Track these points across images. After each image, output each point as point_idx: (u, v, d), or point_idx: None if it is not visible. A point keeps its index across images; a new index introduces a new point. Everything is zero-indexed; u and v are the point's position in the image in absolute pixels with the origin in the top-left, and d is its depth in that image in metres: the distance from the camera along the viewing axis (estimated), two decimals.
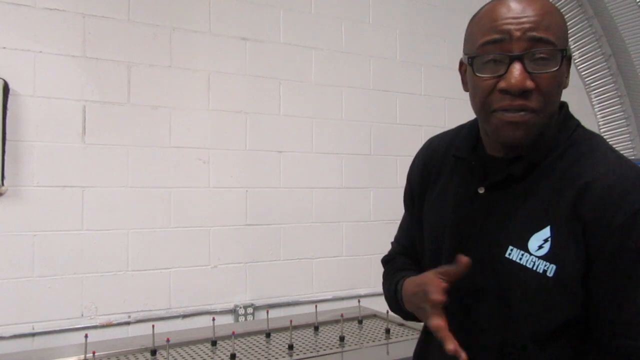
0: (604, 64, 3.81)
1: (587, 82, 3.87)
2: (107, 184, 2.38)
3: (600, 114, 3.88)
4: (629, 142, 3.77)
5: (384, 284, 1.15)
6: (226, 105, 2.67)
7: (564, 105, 0.97)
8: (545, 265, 0.85)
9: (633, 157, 3.64)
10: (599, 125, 3.91)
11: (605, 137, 3.86)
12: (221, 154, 2.64)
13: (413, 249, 1.13)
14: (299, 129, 2.85)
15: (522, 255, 0.87)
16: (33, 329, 2.22)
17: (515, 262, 0.87)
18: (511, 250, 0.88)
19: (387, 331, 2.12)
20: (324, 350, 1.95)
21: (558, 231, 0.85)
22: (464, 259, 0.87)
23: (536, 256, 0.85)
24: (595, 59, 3.82)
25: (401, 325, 2.25)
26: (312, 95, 2.89)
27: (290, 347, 1.93)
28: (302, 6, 2.88)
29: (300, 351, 1.93)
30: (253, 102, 2.73)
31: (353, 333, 2.16)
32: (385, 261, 1.21)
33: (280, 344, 2.01)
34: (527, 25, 0.85)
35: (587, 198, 0.83)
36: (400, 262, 1.16)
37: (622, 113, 3.80)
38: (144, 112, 2.47)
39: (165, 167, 2.51)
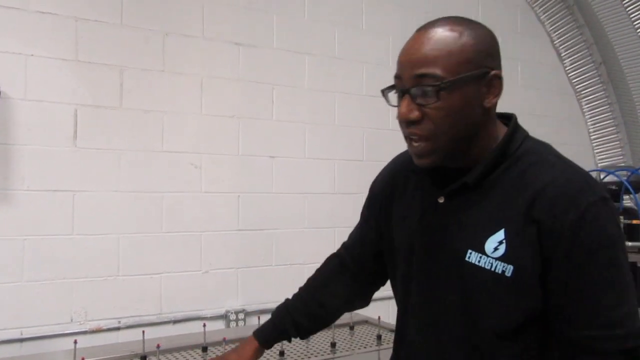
0: (595, 71, 3.85)
1: (578, 90, 3.91)
2: (98, 188, 2.37)
3: (591, 121, 3.92)
4: (619, 149, 3.81)
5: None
6: (219, 110, 2.66)
7: (512, 117, 1.03)
8: (503, 266, 0.92)
9: (623, 164, 3.67)
10: (590, 132, 3.94)
11: (595, 144, 3.90)
12: (213, 159, 2.64)
13: (353, 248, 1.29)
14: (291, 134, 2.85)
15: (480, 257, 0.94)
16: (22, 334, 2.20)
17: (474, 264, 0.94)
18: (470, 253, 0.95)
19: (379, 337, 2.12)
20: (315, 356, 1.95)
21: (512, 234, 0.92)
22: None
23: (493, 257, 0.93)
24: (585, 67, 3.86)
25: (393, 331, 2.24)
26: (305, 101, 2.89)
27: (282, 353, 1.92)
28: (296, 12, 2.89)
29: (291, 358, 1.93)
30: (246, 107, 2.73)
31: (344, 339, 2.15)
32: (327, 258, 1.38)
33: (271, 351, 1.99)
34: (414, 63, 0.95)
35: (540, 202, 0.90)
36: (311, 281, 1.34)
37: (612, 120, 3.84)
38: (136, 116, 2.47)
39: (157, 172, 2.50)
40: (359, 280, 1.28)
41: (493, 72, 0.96)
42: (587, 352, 0.89)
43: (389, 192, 1.16)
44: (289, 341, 1.33)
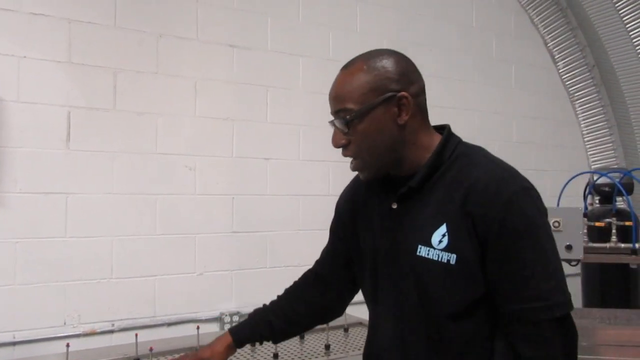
0: (588, 74, 3.87)
1: (571, 92, 3.92)
2: (92, 190, 2.36)
3: (584, 123, 3.93)
4: (612, 151, 3.82)
5: None
6: (213, 112, 2.66)
7: (445, 127, 1.17)
8: (448, 256, 1.06)
9: (616, 166, 3.68)
10: (583, 134, 3.96)
11: (588, 146, 3.91)
12: (208, 161, 2.63)
13: (325, 260, 1.40)
14: (286, 136, 2.85)
15: (429, 250, 1.08)
16: (14, 337, 2.18)
17: (424, 257, 1.08)
18: (420, 248, 1.09)
19: None
20: (310, 358, 1.95)
21: (452, 227, 1.06)
22: None
23: (439, 249, 1.07)
24: (579, 69, 3.88)
25: None
26: (299, 103, 2.89)
27: (276, 356, 1.92)
28: (290, 14, 2.89)
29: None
30: (240, 109, 2.73)
31: (339, 341, 2.15)
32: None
33: (265, 353, 1.99)
34: (331, 102, 1.16)
35: (471, 197, 1.05)
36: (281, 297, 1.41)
37: (605, 122, 3.86)
38: (130, 118, 2.46)
39: (150, 174, 2.49)
40: (332, 289, 1.37)
41: (400, 94, 1.09)
42: (522, 323, 1.03)
43: (352, 207, 1.30)
44: (261, 343, 1.41)
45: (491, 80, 3.62)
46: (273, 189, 2.79)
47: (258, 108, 2.78)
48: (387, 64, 1.13)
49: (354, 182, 1.35)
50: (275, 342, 1.42)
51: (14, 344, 2.18)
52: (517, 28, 3.79)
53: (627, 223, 2.65)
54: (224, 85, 2.69)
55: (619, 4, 3.40)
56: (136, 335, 1.92)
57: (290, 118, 2.86)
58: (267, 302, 1.40)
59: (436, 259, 1.07)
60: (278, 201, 2.80)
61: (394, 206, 1.15)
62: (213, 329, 2.54)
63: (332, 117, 1.16)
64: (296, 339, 2.16)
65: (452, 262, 1.05)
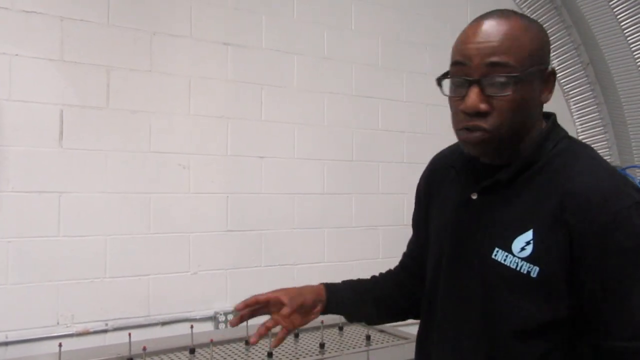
0: (582, 72, 3.88)
1: (566, 90, 3.93)
2: (85, 189, 2.34)
3: (579, 121, 3.94)
4: (607, 150, 3.84)
5: None
6: (207, 110, 2.64)
7: (551, 116, 1.03)
8: (529, 267, 0.90)
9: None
10: (577, 133, 3.97)
11: None
12: (202, 159, 2.62)
13: (410, 262, 1.26)
14: (281, 134, 2.84)
15: (507, 256, 0.92)
16: (7, 337, 2.17)
17: (500, 262, 0.93)
18: (497, 251, 0.94)
19: (368, 338, 2.12)
20: (304, 357, 1.94)
21: (541, 235, 0.90)
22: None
23: (519, 257, 0.91)
24: (573, 67, 3.88)
25: (382, 331, 2.24)
26: (294, 101, 2.88)
27: (270, 354, 1.92)
28: (284, 11, 2.88)
29: (280, 359, 1.92)
30: (235, 107, 2.72)
31: (333, 340, 2.15)
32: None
33: (259, 352, 1.99)
34: (486, 51, 0.90)
35: (571, 204, 0.88)
36: (375, 277, 1.30)
37: (600, 121, 3.87)
38: (124, 116, 2.44)
39: (144, 173, 2.48)
40: (420, 284, 1.22)
41: (551, 68, 0.98)
42: None
43: (428, 192, 1.17)
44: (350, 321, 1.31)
45: None
46: (268, 188, 2.78)
47: (253, 106, 2.77)
48: (542, 32, 0.96)
49: (432, 165, 1.20)
50: (370, 324, 1.32)
51: (6, 344, 2.16)
52: None
53: None
54: (218, 84, 2.67)
55: (614, 2, 3.40)
56: (129, 334, 1.91)
57: (285, 116, 2.85)
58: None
59: (514, 267, 0.92)
60: (273, 199, 2.79)
61: (474, 197, 1.00)
62: (208, 327, 2.53)
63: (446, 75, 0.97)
64: (290, 338, 2.15)
65: (533, 274, 0.89)
